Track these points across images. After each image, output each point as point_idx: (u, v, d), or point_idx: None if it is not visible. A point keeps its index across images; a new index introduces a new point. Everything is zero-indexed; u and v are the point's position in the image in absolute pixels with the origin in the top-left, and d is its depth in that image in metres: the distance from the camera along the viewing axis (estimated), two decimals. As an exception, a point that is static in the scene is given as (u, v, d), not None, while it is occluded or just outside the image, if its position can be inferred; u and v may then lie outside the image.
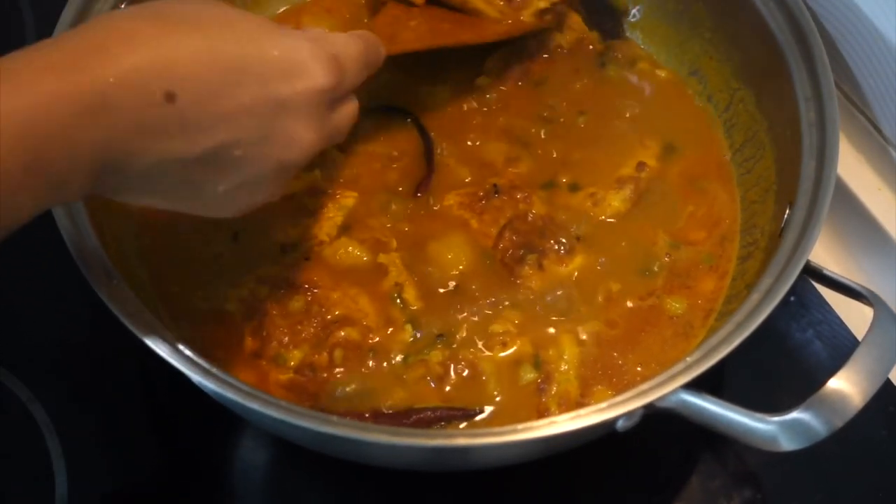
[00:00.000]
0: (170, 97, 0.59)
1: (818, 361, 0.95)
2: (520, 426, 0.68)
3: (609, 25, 1.05)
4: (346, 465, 0.79)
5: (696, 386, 0.69)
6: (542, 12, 0.98)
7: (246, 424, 0.89)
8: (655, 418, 0.70)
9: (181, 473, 0.89)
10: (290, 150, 0.68)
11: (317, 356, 0.82)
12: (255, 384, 0.76)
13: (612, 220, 0.91)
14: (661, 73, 1.03)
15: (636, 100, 1.00)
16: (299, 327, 0.83)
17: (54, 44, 0.58)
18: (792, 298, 0.97)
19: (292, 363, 0.82)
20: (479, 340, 0.83)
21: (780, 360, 0.95)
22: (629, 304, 0.86)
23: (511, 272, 0.87)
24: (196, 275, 0.86)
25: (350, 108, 0.75)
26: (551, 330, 0.84)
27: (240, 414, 0.78)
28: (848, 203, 1.00)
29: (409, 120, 0.97)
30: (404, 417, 0.78)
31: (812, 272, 0.78)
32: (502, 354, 0.83)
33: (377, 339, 0.83)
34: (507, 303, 0.85)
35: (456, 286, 0.86)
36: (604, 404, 0.68)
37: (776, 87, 0.88)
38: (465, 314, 0.85)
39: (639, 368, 0.83)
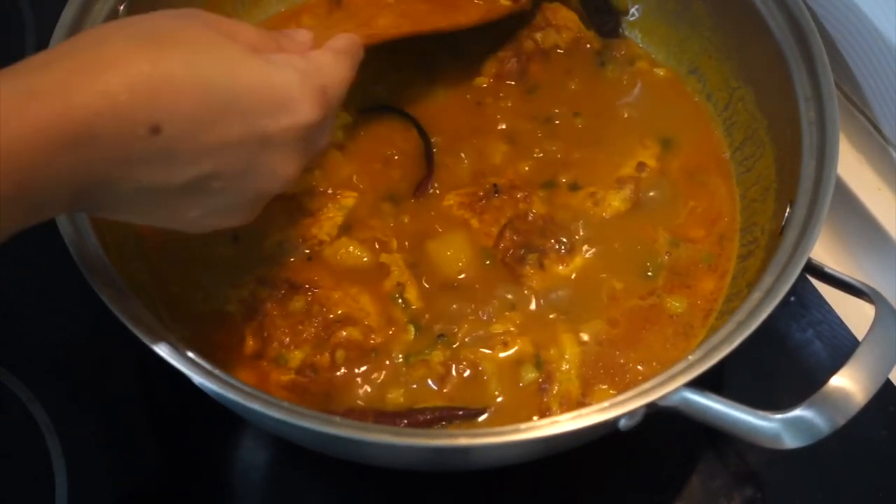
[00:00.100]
0: (155, 130, 0.58)
1: (818, 361, 0.95)
2: (521, 426, 0.68)
3: (608, 26, 1.05)
4: (347, 465, 0.79)
5: (697, 385, 0.69)
6: None
7: (246, 424, 0.88)
8: (657, 417, 0.70)
9: (181, 473, 0.89)
10: (270, 182, 0.67)
11: (318, 356, 0.82)
12: (256, 385, 0.75)
13: (612, 219, 0.91)
14: (661, 72, 1.03)
15: (635, 99, 1.01)
16: (300, 328, 0.83)
17: (42, 66, 0.57)
18: (792, 298, 0.97)
19: (293, 364, 0.82)
20: (481, 340, 0.83)
21: (780, 360, 0.95)
22: (630, 302, 0.87)
23: (512, 272, 0.87)
24: (196, 276, 0.86)
25: (330, 130, 0.74)
26: (552, 330, 0.84)
27: (241, 415, 0.78)
28: (848, 203, 1.00)
29: (407, 120, 0.97)
30: (406, 417, 0.78)
31: (813, 270, 0.78)
32: (503, 354, 0.83)
33: (379, 339, 0.83)
34: (508, 302, 0.85)
35: (457, 286, 0.86)
36: (605, 403, 0.68)
37: (776, 86, 0.88)
38: (466, 314, 0.85)
39: (640, 367, 0.83)
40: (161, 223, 0.67)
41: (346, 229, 0.89)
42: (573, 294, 0.86)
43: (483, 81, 1.00)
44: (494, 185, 0.91)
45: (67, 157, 0.55)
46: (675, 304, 0.87)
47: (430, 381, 0.81)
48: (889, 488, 0.87)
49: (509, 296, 0.86)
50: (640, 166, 0.93)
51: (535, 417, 0.80)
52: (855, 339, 0.94)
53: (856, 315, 0.94)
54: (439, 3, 0.95)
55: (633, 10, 1.05)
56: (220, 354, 0.81)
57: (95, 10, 0.85)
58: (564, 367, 0.82)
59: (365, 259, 0.87)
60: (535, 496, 0.87)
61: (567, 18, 1.04)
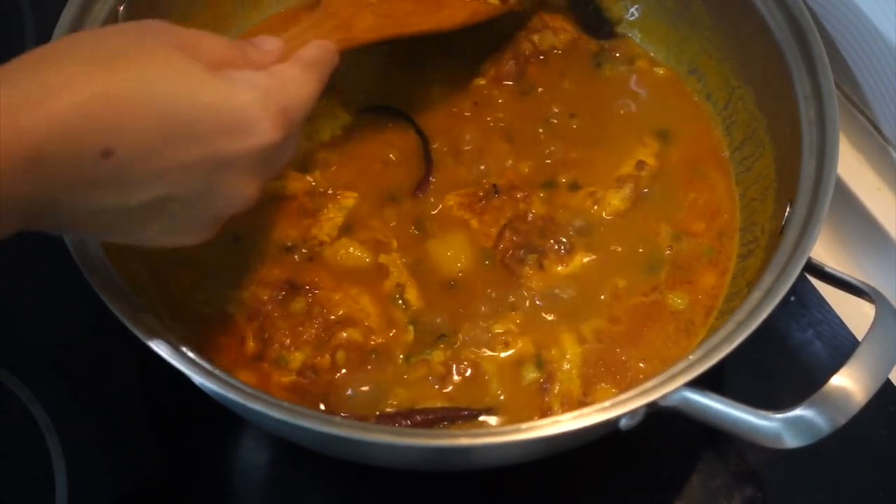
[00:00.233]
0: (106, 154, 0.57)
1: (818, 361, 0.95)
2: (523, 426, 0.68)
3: (603, 30, 1.05)
4: (347, 466, 0.79)
5: (697, 385, 0.69)
6: None
7: (246, 424, 0.88)
8: (658, 417, 0.70)
9: (181, 473, 0.89)
10: (228, 204, 0.66)
11: (319, 358, 0.82)
12: (256, 387, 0.75)
13: (612, 218, 0.91)
14: (660, 72, 1.03)
15: (634, 98, 1.01)
16: (301, 329, 0.83)
17: (3, 80, 0.55)
18: (792, 298, 0.97)
19: (294, 365, 0.82)
20: (481, 340, 0.83)
21: (780, 360, 0.95)
22: (633, 299, 0.87)
23: (512, 272, 0.87)
24: (197, 277, 0.86)
25: (293, 147, 0.72)
26: (553, 329, 0.84)
27: (241, 415, 0.78)
28: (848, 203, 1.00)
29: (406, 121, 0.97)
30: (407, 418, 0.78)
31: (813, 270, 0.78)
32: (504, 354, 0.83)
33: (379, 339, 0.83)
34: (508, 303, 0.86)
35: (457, 286, 0.86)
36: (607, 403, 0.68)
37: (776, 86, 0.89)
38: (466, 314, 0.85)
39: (642, 364, 0.83)
40: (119, 240, 0.66)
41: (347, 230, 0.89)
42: (574, 293, 0.86)
43: (482, 83, 1.00)
44: (494, 186, 0.91)
45: (18, 180, 0.54)
46: (677, 301, 0.87)
47: (430, 382, 0.81)
48: (889, 488, 0.87)
49: (510, 296, 0.86)
50: (640, 165, 0.93)
51: (535, 417, 0.80)
52: (855, 338, 0.94)
53: (856, 315, 0.94)
54: (425, 3, 0.91)
55: (632, 10, 1.05)
56: (220, 355, 0.81)
57: (95, 10, 0.85)
58: (566, 366, 0.82)
59: (365, 260, 0.87)
60: (535, 496, 0.87)
61: (564, 20, 1.04)
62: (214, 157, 0.62)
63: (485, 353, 0.83)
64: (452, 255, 0.88)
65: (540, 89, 1.00)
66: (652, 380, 0.70)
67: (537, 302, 0.86)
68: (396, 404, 0.80)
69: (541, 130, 0.97)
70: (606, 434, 0.73)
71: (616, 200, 0.91)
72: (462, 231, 0.90)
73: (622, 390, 0.79)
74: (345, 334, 0.83)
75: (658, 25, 1.04)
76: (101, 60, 0.58)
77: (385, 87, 0.99)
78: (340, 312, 0.84)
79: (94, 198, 0.59)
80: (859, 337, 0.72)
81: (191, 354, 0.71)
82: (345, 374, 0.82)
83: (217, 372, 0.70)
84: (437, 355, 0.82)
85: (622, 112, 0.99)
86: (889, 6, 0.91)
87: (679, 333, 0.85)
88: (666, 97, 1.01)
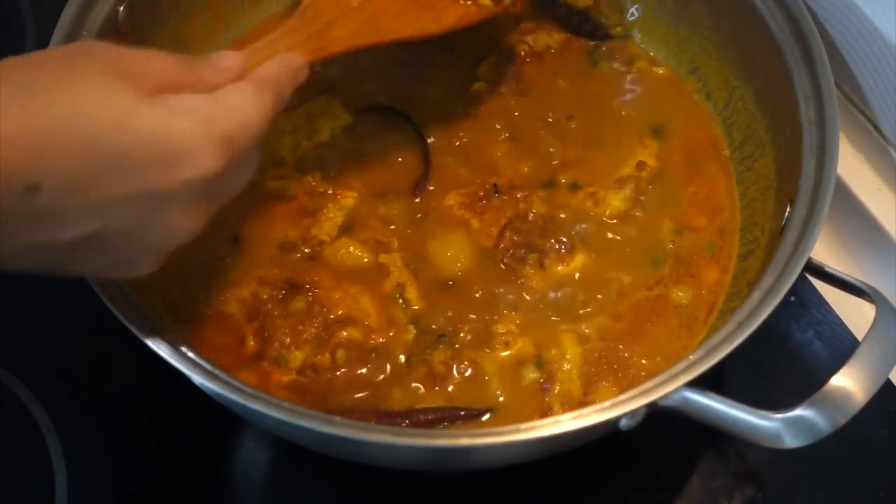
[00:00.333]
0: (33, 189, 0.54)
1: (818, 361, 0.95)
2: (523, 426, 0.67)
3: (598, 32, 1.05)
4: (347, 465, 0.79)
5: (697, 385, 0.69)
6: None
7: (246, 424, 0.88)
8: (658, 417, 0.70)
9: (181, 473, 0.89)
10: (169, 238, 0.63)
11: (319, 357, 0.82)
12: (256, 386, 0.75)
13: (613, 218, 0.91)
14: (660, 71, 1.03)
15: (634, 98, 1.01)
16: (301, 328, 0.83)
17: None
18: (792, 298, 0.97)
19: (294, 364, 0.82)
20: (482, 340, 0.83)
21: (780, 360, 0.95)
22: (638, 294, 0.87)
23: (512, 272, 0.87)
24: (197, 276, 0.86)
25: (247, 172, 0.68)
26: (553, 329, 0.84)
27: (241, 415, 0.78)
28: (848, 203, 1.00)
29: (405, 121, 0.97)
30: (407, 417, 0.78)
31: (814, 270, 0.78)
32: (504, 354, 0.83)
33: (379, 339, 0.83)
34: (508, 302, 0.86)
35: (457, 286, 0.86)
36: (607, 403, 0.68)
37: (776, 86, 0.88)
38: (466, 314, 0.85)
39: (644, 361, 0.83)
40: (59, 275, 0.62)
41: (347, 230, 0.89)
42: (575, 293, 0.86)
43: (480, 85, 1.00)
44: (494, 185, 0.92)
45: None
46: (681, 295, 0.87)
47: (431, 381, 0.81)
48: (889, 488, 0.87)
49: (510, 296, 0.86)
50: (640, 165, 0.94)
51: (535, 417, 0.80)
52: (855, 339, 0.94)
53: (856, 315, 0.94)
54: (411, 7, 0.87)
55: (632, 10, 1.05)
56: (220, 355, 0.81)
57: (95, 11, 0.85)
58: (566, 366, 0.82)
59: (365, 259, 0.87)
60: (535, 496, 0.87)
61: (552, 24, 1.05)
62: (149, 189, 0.59)
63: (485, 352, 0.83)
64: (452, 254, 0.88)
65: (538, 89, 1.00)
66: (652, 380, 0.70)
67: (538, 302, 0.86)
68: (396, 404, 0.80)
69: (541, 131, 0.97)
70: (606, 434, 0.73)
71: (616, 201, 0.91)
72: (462, 231, 0.90)
73: (623, 389, 0.80)
74: (345, 333, 0.83)
75: (658, 25, 1.04)
76: (27, 89, 0.55)
77: (385, 87, 0.99)
78: (340, 312, 0.84)
79: (24, 233, 0.56)
80: (859, 337, 0.72)
81: (191, 354, 0.71)
82: (345, 373, 0.82)
83: (217, 372, 0.70)
84: (438, 355, 0.82)
85: (622, 112, 0.99)
86: (889, 6, 0.91)
87: (682, 329, 0.85)
88: (666, 97, 1.01)
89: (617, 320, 0.85)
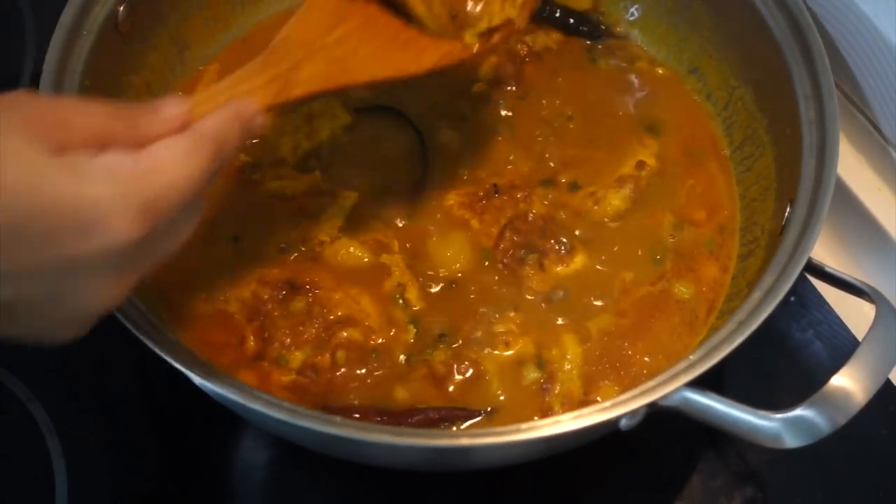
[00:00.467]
0: None
1: (818, 361, 0.95)
2: (523, 426, 0.68)
3: (596, 33, 1.05)
4: (347, 465, 0.79)
5: (697, 385, 0.69)
6: (488, 33, 0.81)
7: (246, 424, 0.88)
8: (658, 417, 0.70)
9: (181, 473, 0.89)
10: (86, 307, 0.59)
11: (319, 357, 0.82)
12: (257, 386, 0.75)
13: (613, 218, 0.91)
14: (660, 71, 1.03)
15: (634, 98, 1.01)
16: (301, 328, 0.83)
17: None
18: (792, 298, 0.97)
19: (294, 364, 0.82)
20: (482, 340, 0.83)
21: (780, 360, 0.95)
22: (642, 290, 0.87)
23: (512, 272, 0.87)
24: (197, 276, 0.86)
25: (183, 230, 0.62)
26: (554, 330, 0.84)
27: (241, 415, 0.78)
28: (848, 203, 1.00)
29: (404, 121, 0.97)
30: (408, 417, 0.78)
31: (814, 270, 0.78)
32: (505, 354, 0.83)
33: (380, 339, 0.83)
34: (509, 303, 0.86)
35: (457, 286, 0.86)
36: (607, 403, 0.68)
37: (775, 86, 0.89)
38: (467, 314, 0.85)
39: (646, 359, 0.83)
40: None
41: (347, 230, 0.89)
42: (576, 293, 0.86)
43: (480, 87, 1.00)
44: (494, 185, 0.92)
45: None
46: (683, 290, 0.87)
47: (432, 382, 0.81)
48: (889, 488, 0.87)
49: (510, 296, 0.86)
50: (640, 165, 0.94)
51: (536, 417, 0.80)
52: (855, 339, 0.94)
53: (856, 315, 0.94)
54: (389, 44, 0.79)
55: (632, 10, 1.06)
56: (220, 355, 0.81)
57: (95, 11, 0.85)
58: (566, 366, 0.82)
59: (365, 260, 0.87)
60: (535, 496, 0.87)
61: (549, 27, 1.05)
62: (59, 259, 0.54)
63: (485, 353, 0.83)
64: (453, 254, 0.88)
65: (538, 89, 1.00)
66: (652, 380, 0.70)
67: (538, 302, 0.86)
68: (397, 404, 0.80)
69: (539, 130, 0.97)
70: (606, 434, 0.73)
71: (616, 201, 0.91)
72: (462, 231, 0.90)
73: (625, 387, 0.80)
74: (345, 334, 0.83)
75: (658, 25, 1.04)
76: None
77: (385, 87, 0.99)
78: (340, 312, 0.84)
79: None
80: (859, 337, 0.72)
81: (191, 354, 0.71)
82: (345, 373, 0.82)
83: (217, 372, 0.70)
84: (438, 355, 0.82)
85: (622, 112, 0.99)
86: (889, 6, 0.91)
87: (683, 326, 0.86)
88: (666, 97, 1.01)
89: (621, 317, 0.86)
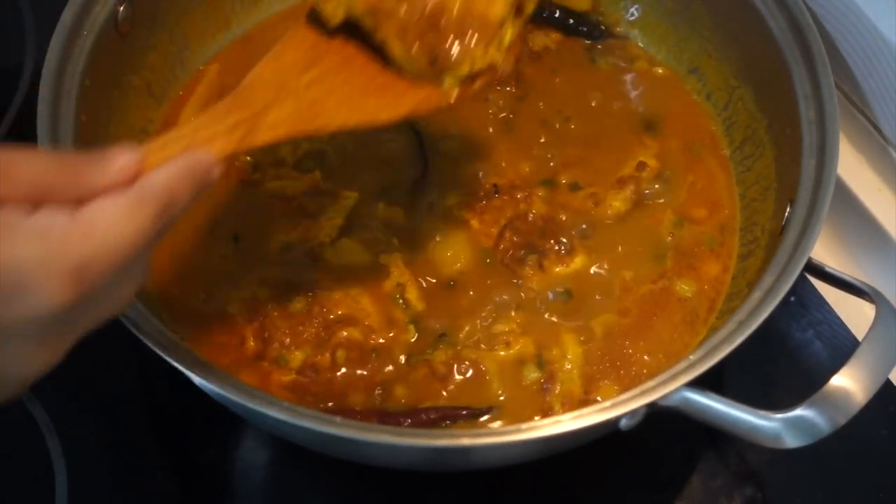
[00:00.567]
0: None
1: (818, 361, 0.95)
2: (523, 426, 0.68)
3: (595, 33, 1.05)
4: (347, 465, 0.79)
5: (697, 385, 0.69)
6: (470, 79, 0.75)
7: (246, 424, 0.88)
8: (658, 417, 0.70)
9: (181, 473, 0.89)
10: (17, 372, 0.55)
11: (319, 357, 0.82)
12: (257, 386, 0.75)
13: (613, 218, 0.91)
14: (660, 71, 1.03)
15: (634, 98, 1.01)
16: (301, 328, 0.83)
17: None
18: (792, 298, 0.97)
19: (294, 364, 0.82)
20: (482, 340, 0.84)
21: (780, 360, 0.95)
22: (643, 288, 0.87)
23: (513, 272, 0.87)
24: (197, 276, 0.86)
25: (122, 294, 0.58)
26: (554, 330, 0.84)
27: (241, 415, 0.78)
28: (848, 203, 1.00)
29: (403, 121, 0.96)
30: (408, 417, 0.78)
31: (814, 270, 0.78)
32: (505, 354, 0.83)
33: (380, 339, 0.83)
34: (509, 302, 0.86)
35: (458, 286, 0.86)
36: (607, 403, 0.68)
37: (776, 86, 0.89)
38: (467, 314, 0.85)
39: (646, 357, 0.84)
40: None
41: (347, 230, 0.89)
42: (576, 293, 0.86)
43: (480, 87, 1.00)
44: (494, 186, 0.92)
45: None
46: (685, 288, 0.87)
47: (432, 381, 0.81)
48: (889, 488, 0.87)
49: (510, 296, 0.86)
50: (641, 166, 0.94)
51: (536, 417, 0.80)
52: (855, 339, 0.94)
53: (856, 315, 0.94)
54: (366, 87, 0.74)
55: (632, 10, 1.05)
56: (220, 355, 0.81)
57: (95, 11, 0.85)
58: (566, 366, 0.82)
59: (365, 260, 0.87)
60: (535, 496, 0.87)
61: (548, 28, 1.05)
62: None
63: (486, 352, 0.83)
64: (453, 254, 0.88)
65: (537, 89, 1.00)
66: (652, 380, 0.70)
67: (538, 302, 0.86)
68: (397, 404, 0.80)
69: (539, 131, 0.97)
70: (606, 434, 0.73)
71: (617, 202, 0.91)
72: (462, 231, 0.90)
73: (625, 387, 0.80)
74: (345, 333, 0.83)
75: (658, 25, 1.04)
76: None
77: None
78: (340, 312, 0.84)
79: None
80: (859, 337, 0.72)
81: (191, 354, 0.71)
82: (345, 373, 0.82)
83: (217, 372, 0.70)
84: (438, 355, 0.82)
85: (621, 112, 0.99)
86: (889, 6, 0.91)
87: (684, 325, 0.86)
88: (666, 97, 1.01)
89: (622, 316, 0.86)
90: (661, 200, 0.93)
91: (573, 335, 0.84)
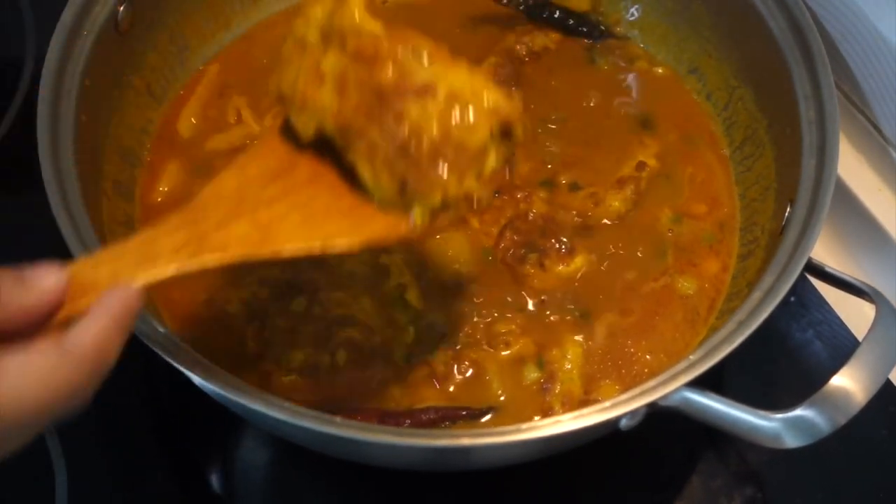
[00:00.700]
0: None
1: (818, 361, 0.95)
2: (523, 426, 0.68)
3: (595, 33, 1.05)
4: (347, 465, 0.79)
5: (697, 385, 0.69)
6: (442, 209, 0.68)
7: (246, 424, 0.88)
8: (658, 417, 0.70)
9: (181, 473, 0.89)
10: None
11: (319, 357, 0.82)
12: (257, 386, 0.75)
13: (614, 218, 0.91)
14: (660, 71, 1.03)
15: (634, 97, 1.01)
16: (301, 328, 0.83)
17: None
18: (792, 299, 0.97)
19: (294, 364, 0.82)
20: (483, 340, 0.84)
21: (780, 360, 0.95)
22: (645, 287, 0.87)
23: (512, 272, 0.87)
24: (197, 276, 0.85)
25: (29, 436, 0.52)
26: (554, 330, 0.85)
27: (241, 415, 0.78)
28: (848, 203, 1.00)
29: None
30: (408, 417, 0.78)
31: (814, 270, 0.78)
32: (505, 354, 0.83)
33: (380, 339, 0.83)
34: (509, 302, 0.86)
35: (458, 286, 0.86)
36: (607, 403, 0.68)
37: (776, 86, 0.89)
38: (467, 314, 0.85)
39: (648, 357, 0.84)
40: None
41: (347, 229, 0.89)
42: (577, 292, 0.86)
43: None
44: (494, 185, 0.92)
45: None
46: (686, 285, 0.88)
47: (432, 381, 0.81)
48: (889, 488, 0.87)
49: (510, 296, 0.86)
50: (641, 166, 0.94)
51: (537, 417, 0.80)
52: (855, 339, 0.94)
53: (856, 315, 0.94)
54: (329, 207, 0.69)
55: (632, 10, 1.05)
56: (220, 355, 0.81)
57: (95, 11, 0.85)
58: (567, 366, 0.82)
59: (365, 259, 0.87)
60: (535, 496, 0.87)
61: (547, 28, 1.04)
62: None
63: (486, 352, 0.83)
64: (453, 254, 0.88)
65: (537, 89, 1.00)
66: (652, 380, 0.70)
67: (538, 301, 0.86)
68: (397, 404, 0.80)
69: (539, 131, 0.97)
70: (606, 434, 0.73)
71: (617, 202, 0.91)
72: (462, 231, 0.90)
73: (626, 386, 0.80)
74: (345, 333, 0.83)
75: (658, 25, 1.04)
76: None
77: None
78: (340, 312, 0.84)
79: None
80: (859, 337, 0.72)
81: (191, 354, 0.71)
82: (345, 373, 0.82)
83: (217, 372, 0.70)
84: (438, 355, 0.82)
85: (622, 112, 0.99)
86: (889, 6, 0.91)
87: (686, 323, 0.86)
88: (666, 97, 1.01)
89: (625, 315, 0.86)
90: (661, 200, 0.93)
91: (573, 335, 0.84)
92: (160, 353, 0.69)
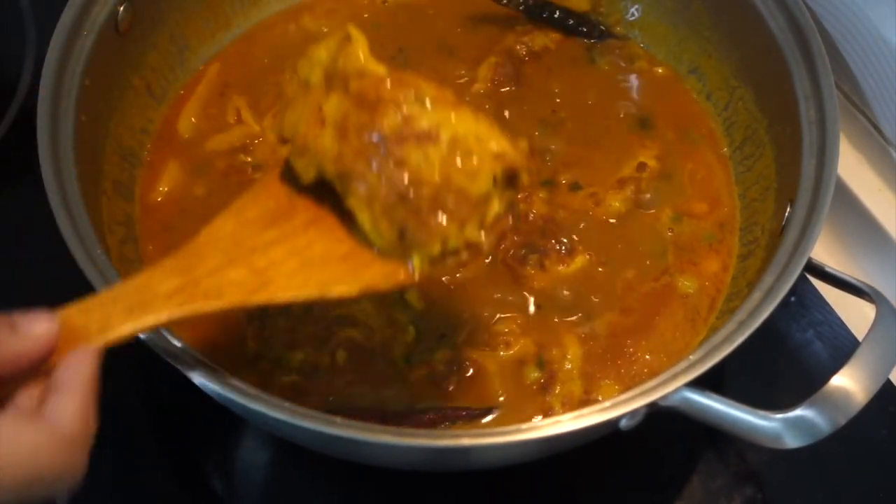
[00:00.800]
0: None
1: (818, 361, 0.95)
2: (524, 426, 0.68)
3: (595, 32, 1.05)
4: (347, 465, 0.79)
5: (697, 385, 0.69)
6: (441, 257, 0.66)
7: (246, 424, 0.88)
8: (658, 417, 0.70)
9: (181, 473, 0.89)
10: None
11: (319, 357, 0.82)
12: (257, 386, 0.75)
13: (614, 218, 0.91)
14: (660, 71, 1.03)
15: (634, 97, 1.01)
16: (301, 328, 0.83)
17: None
18: (792, 299, 0.97)
19: (294, 364, 0.82)
20: (483, 340, 0.83)
21: (780, 360, 0.95)
22: (645, 286, 0.87)
23: (513, 272, 0.87)
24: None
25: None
26: (555, 330, 0.84)
27: (241, 415, 0.78)
28: (848, 203, 1.00)
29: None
30: (408, 418, 0.78)
31: (814, 270, 0.78)
32: (505, 354, 0.83)
33: (380, 339, 0.83)
34: (509, 303, 0.85)
35: (458, 286, 0.86)
36: (607, 403, 0.68)
37: (776, 86, 0.89)
38: (467, 314, 0.85)
39: (648, 357, 0.84)
40: None
41: (347, 230, 0.89)
42: (577, 292, 0.86)
43: (480, 87, 1.00)
44: (495, 185, 0.91)
45: None
46: (687, 284, 0.88)
47: (432, 381, 0.81)
48: (889, 488, 0.87)
49: (511, 296, 0.86)
50: (641, 167, 0.94)
51: (536, 417, 0.80)
52: (855, 339, 0.94)
53: (856, 315, 0.94)
54: (328, 252, 0.68)
55: (632, 10, 1.05)
56: (220, 355, 0.81)
57: (95, 11, 0.85)
58: (567, 366, 0.82)
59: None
60: (535, 496, 0.87)
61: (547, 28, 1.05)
62: None
63: (486, 352, 0.83)
64: (453, 254, 0.88)
65: (537, 89, 1.00)
66: (652, 380, 0.70)
67: (539, 301, 0.86)
68: (397, 404, 0.80)
69: (539, 131, 0.97)
70: (606, 434, 0.73)
71: (617, 203, 0.91)
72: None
73: (626, 386, 0.80)
74: (345, 334, 0.83)
75: (658, 25, 1.04)
76: None
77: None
78: (340, 312, 0.84)
79: None
80: (859, 337, 0.72)
81: (191, 354, 0.71)
82: (345, 373, 0.82)
83: (217, 372, 0.70)
84: (438, 355, 0.82)
85: (622, 112, 0.99)
86: (889, 6, 0.91)
87: (686, 323, 0.86)
88: (666, 97, 1.01)
89: (625, 315, 0.86)
90: (662, 200, 0.93)
91: (574, 335, 0.84)
92: (161, 353, 0.69)
